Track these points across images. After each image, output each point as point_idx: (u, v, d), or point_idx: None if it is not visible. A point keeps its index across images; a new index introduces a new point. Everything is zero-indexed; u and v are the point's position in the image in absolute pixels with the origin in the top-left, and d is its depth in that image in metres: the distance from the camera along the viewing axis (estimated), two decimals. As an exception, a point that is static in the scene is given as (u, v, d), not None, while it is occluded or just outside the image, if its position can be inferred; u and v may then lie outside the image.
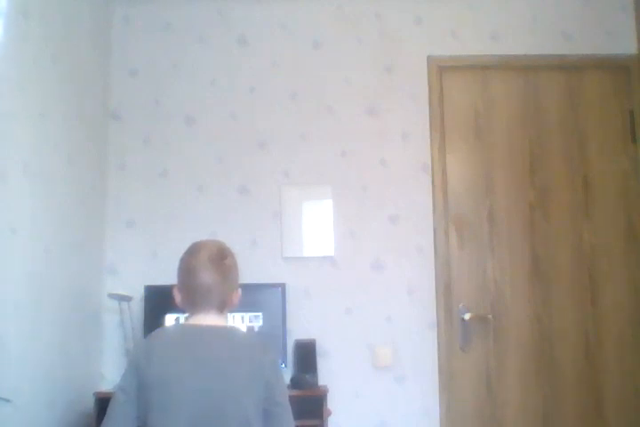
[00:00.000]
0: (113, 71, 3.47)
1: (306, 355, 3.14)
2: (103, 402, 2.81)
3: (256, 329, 3.11)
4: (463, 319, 3.31)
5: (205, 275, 2.03)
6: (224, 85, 3.49)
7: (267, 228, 3.37)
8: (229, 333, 2.06)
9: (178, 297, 2.09)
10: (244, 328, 3.07)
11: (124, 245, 3.35)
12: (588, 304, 3.35)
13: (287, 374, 3.16)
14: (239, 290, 2.14)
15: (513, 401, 3.28)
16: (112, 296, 3.11)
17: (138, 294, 3.21)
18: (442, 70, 3.50)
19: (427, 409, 3.24)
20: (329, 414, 2.93)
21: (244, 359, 1.97)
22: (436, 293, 3.33)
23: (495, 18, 3.54)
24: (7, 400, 2.22)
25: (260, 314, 3.14)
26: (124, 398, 1.95)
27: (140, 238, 3.36)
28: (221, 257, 2.07)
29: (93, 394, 2.85)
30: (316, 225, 3.38)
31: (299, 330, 3.27)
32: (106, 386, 3.18)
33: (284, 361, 3.14)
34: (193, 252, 2.08)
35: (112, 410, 1.96)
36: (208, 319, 2.04)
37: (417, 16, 3.54)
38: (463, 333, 3.31)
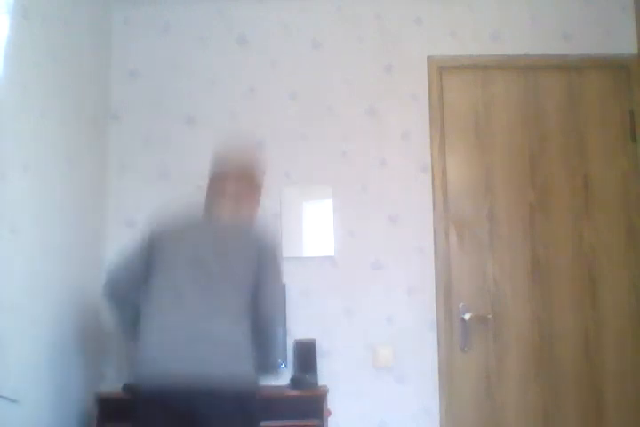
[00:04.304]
0: (113, 71, 3.48)
1: (306, 355, 3.14)
2: (103, 402, 2.83)
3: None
4: (463, 319, 3.31)
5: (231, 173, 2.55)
6: (224, 85, 3.49)
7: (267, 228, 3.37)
8: (235, 223, 2.44)
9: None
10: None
11: (124, 246, 3.34)
12: (588, 304, 3.35)
13: (287, 374, 3.16)
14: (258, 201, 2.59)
15: (513, 401, 3.28)
16: (112, 296, 3.11)
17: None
18: (442, 70, 3.50)
19: (427, 409, 3.25)
20: (329, 414, 2.93)
21: (242, 241, 2.36)
22: (436, 293, 3.33)
23: (495, 18, 3.54)
24: (14, 401, 2.22)
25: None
26: (136, 255, 2.45)
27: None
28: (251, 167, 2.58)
29: (93, 394, 2.85)
30: (316, 225, 3.38)
31: (299, 330, 3.26)
32: (106, 386, 3.19)
33: (284, 361, 3.14)
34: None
35: (124, 261, 2.47)
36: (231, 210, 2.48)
37: (417, 16, 3.54)
38: (463, 333, 3.31)
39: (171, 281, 2.31)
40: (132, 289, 2.42)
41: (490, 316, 3.32)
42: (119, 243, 3.35)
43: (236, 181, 2.53)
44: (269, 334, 2.36)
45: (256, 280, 2.33)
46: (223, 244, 2.36)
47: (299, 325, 3.28)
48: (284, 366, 3.14)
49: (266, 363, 2.36)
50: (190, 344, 2.18)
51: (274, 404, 2.86)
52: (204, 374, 2.14)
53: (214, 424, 2.13)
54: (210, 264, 2.30)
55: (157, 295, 2.30)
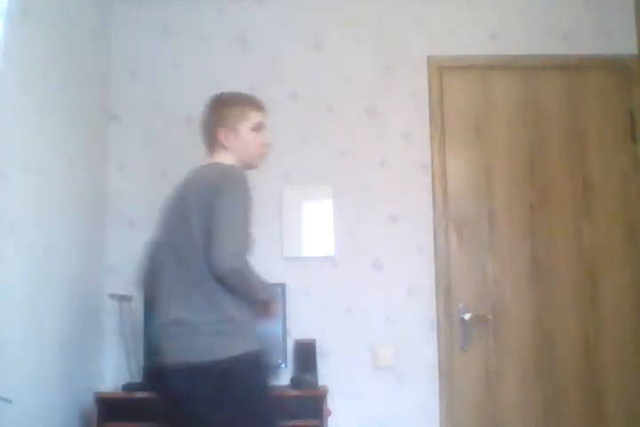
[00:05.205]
0: (113, 71, 3.48)
1: (306, 355, 3.14)
2: (103, 402, 2.83)
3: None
4: (463, 319, 3.31)
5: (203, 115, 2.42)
6: (224, 85, 3.47)
7: (267, 228, 3.37)
8: (208, 167, 2.31)
9: None
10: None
11: (123, 245, 3.34)
12: (588, 304, 3.35)
13: (287, 374, 3.16)
14: (236, 130, 2.35)
15: (513, 401, 3.28)
16: (112, 296, 3.11)
17: (138, 293, 3.20)
18: (442, 70, 3.50)
19: (427, 409, 3.25)
20: (329, 414, 2.93)
21: (201, 188, 2.21)
22: (436, 293, 3.33)
23: (495, 18, 3.54)
24: (8, 401, 2.22)
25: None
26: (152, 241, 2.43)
27: (140, 238, 3.34)
28: (217, 99, 2.44)
29: (93, 394, 2.85)
30: (315, 225, 3.38)
31: (299, 330, 3.26)
32: (106, 386, 3.18)
33: (284, 361, 3.14)
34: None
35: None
36: (208, 159, 2.37)
37: (417, 16, 3.54)
38: (463, 333, 3.31)
39: (158, 264, 2.33)
40: (149, 276, 2.42)
41: (490, 316, 3.32)
42: (119, 243, 3.35)
43: (205, 127, 2.41)
44: (236, 287, 2.15)
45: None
46: (182, 214, 2.24)
47: (299, 325, 3.28)
48: (283, 366, 3.14)
49: (256, 304, 2.25)
50: (168, 332, 2.20)
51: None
52: (175, 361, 2.14)
53: (186, 405, 2.13)
54: (175, 239, 2.25)
55: (157, 280, 2.33)
